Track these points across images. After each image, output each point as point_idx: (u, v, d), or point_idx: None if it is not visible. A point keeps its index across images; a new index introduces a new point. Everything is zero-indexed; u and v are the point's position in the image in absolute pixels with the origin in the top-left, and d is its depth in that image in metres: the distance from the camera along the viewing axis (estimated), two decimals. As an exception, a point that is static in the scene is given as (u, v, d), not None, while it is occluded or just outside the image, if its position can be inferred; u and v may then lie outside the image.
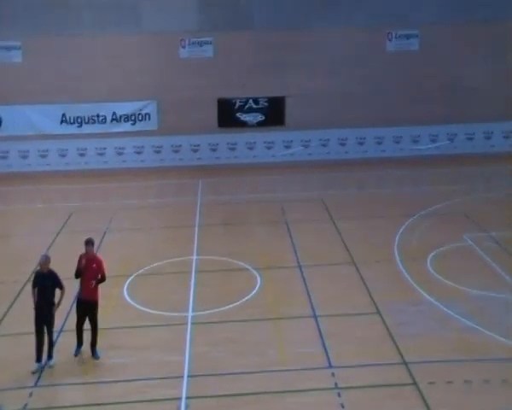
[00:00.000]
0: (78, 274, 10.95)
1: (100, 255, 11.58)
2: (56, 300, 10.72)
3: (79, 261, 10.96)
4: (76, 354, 11.07)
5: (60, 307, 10.81)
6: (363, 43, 23.67)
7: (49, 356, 10.82)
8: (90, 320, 11.04)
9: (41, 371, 10.60)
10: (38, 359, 10.68)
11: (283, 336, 11.63)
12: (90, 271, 10.92)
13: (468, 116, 24.09)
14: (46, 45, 22.87)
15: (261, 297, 13.19)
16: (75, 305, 11.27)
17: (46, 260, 10.77)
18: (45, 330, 10.71)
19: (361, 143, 24.51)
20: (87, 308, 11.01)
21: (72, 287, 11.16)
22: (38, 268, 10.88)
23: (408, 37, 24.05)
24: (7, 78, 23.01)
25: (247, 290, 13.41)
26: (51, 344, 10.87)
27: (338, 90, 23.72)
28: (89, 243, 11.07)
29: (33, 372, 10.54)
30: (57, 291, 10.72)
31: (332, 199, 19.89)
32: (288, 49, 23.53)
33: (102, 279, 11.14)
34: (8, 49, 23.18)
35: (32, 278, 11.02)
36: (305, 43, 23.58)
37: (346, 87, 23.77)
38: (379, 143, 24.54)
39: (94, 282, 10.91)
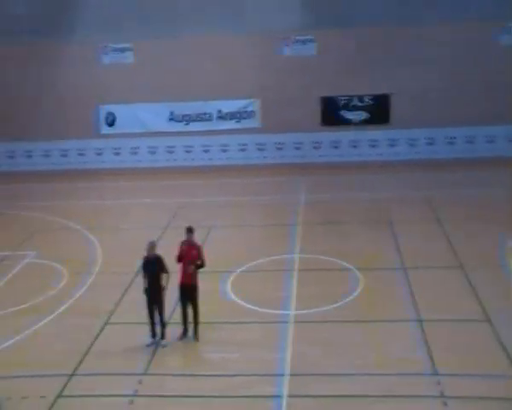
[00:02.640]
0: (178, 259, 11.44)
1: (199, 242, 11.86)
2: (164, 283, 11.29)
3: (180, 248, 11.47)
4: (181, 338, 11.55)
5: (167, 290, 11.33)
6: (473, 38, 22.64)
7: (162, 337, 11.45)
8: (191, 303, 11.48)
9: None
10: (153, 335, 11.44)
11: (384, 340, 11.38)
12: (191, 257, 11.38)
13: None
14: (155, 46, 23.82)
15: (363, 298, 12.99)
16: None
17: (152, 245, 11.39)
18: (156, 312, 11.30)
19: (470, 142, 23.48)
20: (188, 292, 11.45)
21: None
22: (145, 254, 11.42)
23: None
24: (120, 78, 24.16)
25: (350, 291, 13.26)
26: (163, 326, 11.44)
27: (445, 87, 22.90)
28: (189, 230, 11.55)
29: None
30: (164, 275, 11.27)
31: (439, 199, 19.21)
32: (392, 46, 23.04)
33: (202, 265, 11.55)
34: (122, 50, 24.35)
35: (141, 264, 11.56)
36: (410, 39, 22.95)
37: (454, 84, 22.87)
38: (490, 142, 23.40)
39: (192, 266, 11.27)
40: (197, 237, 14.20)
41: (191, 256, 11.41)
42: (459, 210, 18.33)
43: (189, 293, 11.49)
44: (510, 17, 22.62)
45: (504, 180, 21.61)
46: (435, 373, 10.21)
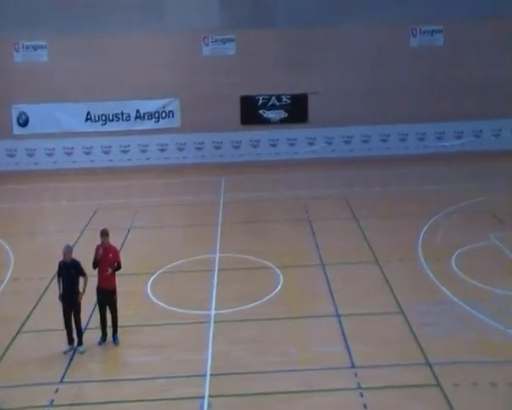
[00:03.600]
0: (95, 264, 11.24)
1: (115, 245, 11.71)
2: (81, 288, 11.10)
3: (96, 252, 11.27)
4: (100, 343, 11.36)
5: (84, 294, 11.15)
6: (386, 39, 23.45)
7: (79, 343, 11.22)
8: (109, 307, 11.30)
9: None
10: (70, 341, 11.21)
11: (305, 336, 11.60)
12: (107, 260, 11.21)
13: (494, 112, 23.72)
14: (71, 44, 23.12)
15: (283, 296, 13.17)
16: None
17: (69, 249, 11.18)
18: (73, 318, 11.07)
19: (384, 140, 24.32)
20: (106, 296, 11.27)
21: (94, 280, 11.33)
22: (62, 259, 11.16)
23: (432, 32, 23.75)
24: (34, 77, 23.29)
25: (270, 289, 13.41)
26: (80, 331, 11.20)
27: (361, 86, 23.59)
28: (104, 233, 11.34)
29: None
30: (81, 279, 11.10)
31: (355, 197, 19.77)
32: (311, 47, 23.45)
33: (118, 267, 11.44)
34: (35, 48, 23.49)
35: (56, 269, 11.25)
36: (328, 40, 23.45)
37: (369, 84, 23.62)
38: (402, 140, 24.33)
39: (110, 269, 11.14)
40: (116, 239, 13.94)
41: (108, 260, 11.22)
42: (374, 206, 18.93)
43: (107, 297, 11.31)
44: (419, 20, 23.55)
45: (415, 177, 22.55)
46: (353, 366, 10.50)
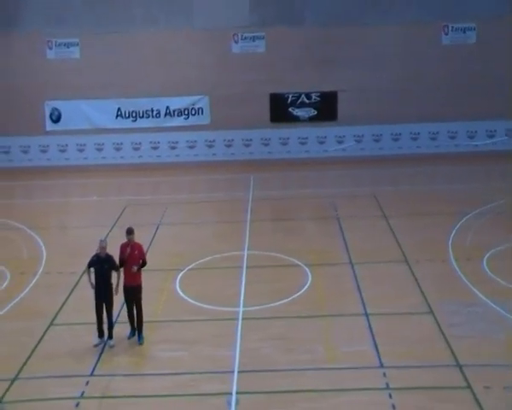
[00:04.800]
0: (121, 263, 11.32)
1: (143, 241, 11.79)
2: (114, 281, 11.23)
3: (122, 250, 11.34)
4: (129, 338, 11.47)
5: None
6: (417, 37, 23.19)
7: (110, 337, 11.33)
8: (135, 305, 11.37)
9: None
10: (100, 335, 11.32)
11: (333, 334, 11.56)
12: (133, 258, 11.28)
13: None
14: (102, 41, 23.40)
15: (312, 294, 13.14)
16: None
17: (104, 244, 11.33)
18: (104, 311, 11.21)
19: (414, 139, 24.07)
20: (132, 293, 11.34)
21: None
22: (97, 252, 11.33)
23: (464, 30, 23.43)
24: (66, 73, 23.64)
25: (298, 287, 13.38)
26: (111, 325, 11.33)
27: (391, 85, 23.40)
28: (130, 231, 11.41)
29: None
30: (114, 274, 11.23)
31: (385, 195, 19.62)
32: (340, 45, 23.33)
33: (144, 264, 11.47)
34: (67, 45, 23.83)
35: (90, 262, 11.40)
36: (358, 38, 23.32)
37: (399, 82, 23.40)
38: (433, 139, 24.06)
39: (135, 267, 11.18)
40: (146, 235, 14.11)
41: (134, 257, 11.27)
42: (403, 205, 18.76)
43: (132, 294, 11.36)
44: (451, 18, 23.24)
45: (446, 175, 22.26)
46: (381, 366, 10.42)
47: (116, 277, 11.25)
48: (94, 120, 24.20)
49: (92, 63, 23.58)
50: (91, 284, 11.27)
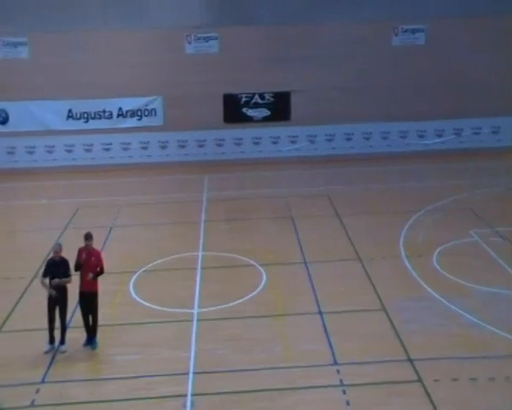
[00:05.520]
0: (77, 267, 11.12)
1: (98, 248, 11.61)
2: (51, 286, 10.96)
3: (79, 255, 11.15)
4: (85, 345, 11.25)
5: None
6: (368, 37, 23.59)
7: (62, 341, 11.13)
8: (90, 311, 11.19)
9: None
10: (51, 341, 11.08)
11: (289, 333, 11.65)
12: (90, 264, 11.08)
13: (474, 111, 24.00)
14: (52, 41, 22.93)
15: (267, 294, 13.21)
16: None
17: (59, 247, 11.14)
18: (57, 316, 11.00)
19: (367, 138, 24.47)
20: (88, 300, 11.16)
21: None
22: (51, 256, 11.11)
23: (414, 31, 23.95)
24: (14, 74, 23.07)
25: (253, 287, 13.44)
26: (64, 329, 11.12)
27: (343, 85, 23.68)
28: (88, 236, 11.23)
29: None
30: (66, 280, 11.01)
31: (338, 194, 19.88)
32: (294, 44, 23.51)
33: (101, 272, 11.27)
34: (15, 45, 23.26)
35: (44, 267, 11.17)
36: (311, 37, 23.55)
37: (352, 82, 23.73)
38: (385, 138, 24.51)
39: (91, 275, 11.01)
40: (99, 237, 13.87)
41: (91, 263, 11.09)
42: (357, 204, 19.05)
43: (88, 300, 11.18)
44: (402, 19, 23.74)
45: (398, 174, 22.71)
46: (335, 363, 10.57)
47: (65, 282, 10.97)
48: (44, 122, 23.69)
49: (42, 63, 23.06)
50: (50, 291, 10.95)
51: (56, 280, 10.91)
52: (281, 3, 23.49)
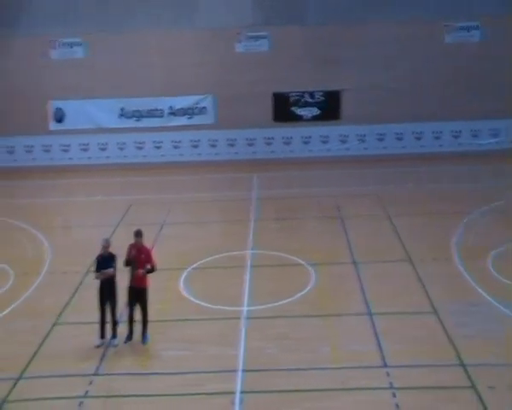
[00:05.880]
0: (127, 263, 11.25)
1: (148, 245, 11.67)
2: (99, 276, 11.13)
3: (129, 251, 11.28)
4: (125, 342, 11.37)
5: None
6: (419, 35, 23.15)
7: (114, 335, 11.32)
8: (140, 306, 11.32)
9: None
10: (102, 335, 11.28)
11: (337, 334, 11.56)
12: (140, 260, 11.19)
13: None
14: (106, 41, 23.45)
15: (315, 293, 13.14)
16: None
17: (107, 243, 11.32)
18: (108, 311, 11.19)
19: (418, 138, 24.05)
20: (137, 295, 11.27)
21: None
22: (101, 252, 11.30)
23: (468, 29, 23.39)
24: (69, 73, 23.67)
25: (302, 286, 13.39)
26: (115, 323, 11.30)
27: (394, 84, 23.36)
28: (138, 234, 11.34)
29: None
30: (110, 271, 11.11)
31: (388, 195, 19.61)
32: (343, 44, 23.32)
33: (152, 269, 11.32)
34: (71, 45, 23.86)
35: (95, 263, 11.37)
36: (360, 37, 23.31)
37: (403, 81, 23.37)
38: (437, 138, 24.03)
39: (142, 271, 11.10)
40: (150, 235, 14.07)
41: (140, 260, 11.19)
42: (407, 205, 18.74)
43: (137, 295, 11.29)
44: (455, 17, 23.21)
45: (450, 175, 22.23)
46: (385, 365, 10.42)
47: (110, 272, 11.08)
48: (97, 120, 24.24)
49: (95, 63, 23.62)
50: (97, 275, 11.15)
51: (99, 273, 11.12)
52: (330, 3, 23.34)
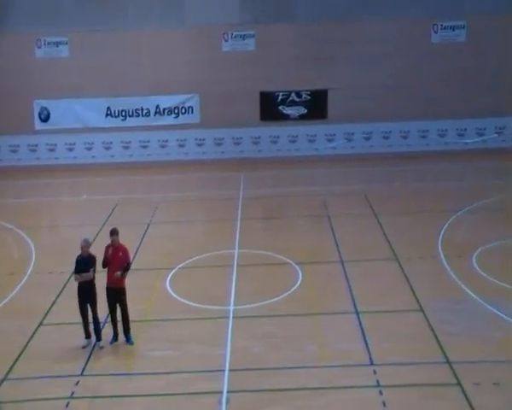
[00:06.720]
0: (104, 264, 11.18)
1: (125, 244, 11.52)
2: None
3: (106, 252, 11.20)
4: (111, 343, 11.31)
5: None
6: (407, 34, 23.25)
7: (98, 338, 11.25)
8: (120, 307, 11.24)
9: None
10: (87, 336, 11.23)
11: (324, 332, 11.57)
12: (117, 260, 11.11)
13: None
14: (92, 40, 23.28)
15: (302, 292, 13.14)
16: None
17: (86, 243, 11.19)
18: (89, 312, 11.13)
19: (405, 137, 24.13)
20: (115, 296, 11.19)
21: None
22: (80, 253, 11.20)
23: (454, 28, 23.51)
24: (55, 72, 23.50)
25: (288, 285, 13.38)
26: (98, 328, 11.22)
27: (381, 82, 23.41)
28: (113, 232, 11.27)
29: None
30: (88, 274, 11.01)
31: (375, 193, 19.66)
32: (330, 42, 23.32)
33: (128, 268, 11.27)
34: (56, 44, 23.69)
35: (74, 264, 11.29)
36: (348, 35, 23.32)
37: (390, 79, 23.44)
38: (423, 137, 24.13)
39: (119, 273, 11.01)
40: (136, 234, 14.01)
41: (117, 259, 11.11)
42: (394, 203, 18.81)
43: (116, 296, 11.20)
44: (441, 16, 23.33)
45: (436, 174, 22.35)
46: (371, 363, 10.45)
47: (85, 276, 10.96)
48: (83, 119, 24.09)
49: (81, 62, 23.44)
50: (76, 277, 11.05)
51: (78, 275, 11.02)
52: (317, 1, 23.35)
